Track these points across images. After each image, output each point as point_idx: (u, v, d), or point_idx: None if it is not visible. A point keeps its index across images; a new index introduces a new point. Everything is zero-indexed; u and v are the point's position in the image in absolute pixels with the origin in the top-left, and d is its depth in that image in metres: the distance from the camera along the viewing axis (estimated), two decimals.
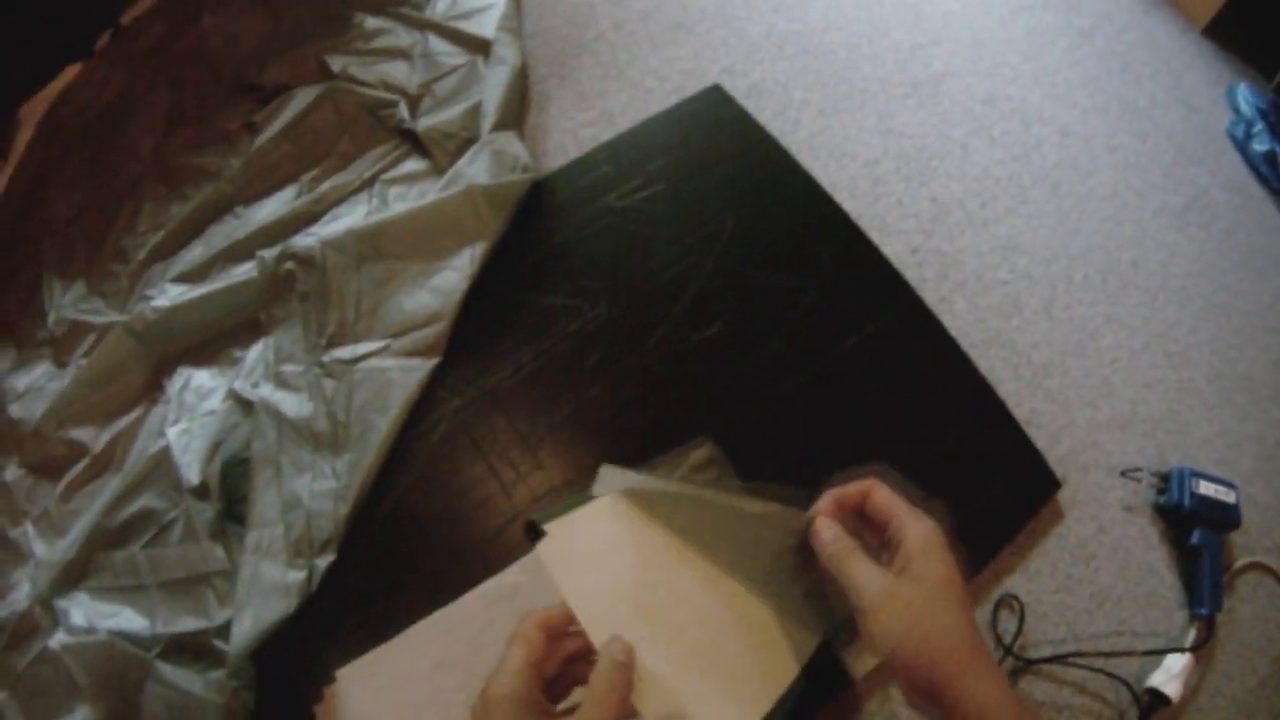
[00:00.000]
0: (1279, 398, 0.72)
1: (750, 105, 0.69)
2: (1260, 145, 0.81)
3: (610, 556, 0.39)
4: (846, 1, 0.84)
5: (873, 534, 0.39)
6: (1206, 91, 0.85)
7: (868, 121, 0.74)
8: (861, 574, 0.34)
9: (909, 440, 0.59)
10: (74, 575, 0.61)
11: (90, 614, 0.58)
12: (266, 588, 0.55)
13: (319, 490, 0.58)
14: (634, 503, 0.41)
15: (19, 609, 0.61)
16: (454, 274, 0.63)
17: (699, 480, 0.56)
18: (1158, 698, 0.59)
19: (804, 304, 0.59)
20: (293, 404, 0.61)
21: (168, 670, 0.53)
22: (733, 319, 0.59)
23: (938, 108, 0.76)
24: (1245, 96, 0.84)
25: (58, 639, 0.58)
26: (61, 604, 0.60)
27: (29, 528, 0.67)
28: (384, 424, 0.59)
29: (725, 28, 0.80)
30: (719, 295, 0.59)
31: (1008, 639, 0.58)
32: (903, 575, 0.34)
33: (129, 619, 0.57)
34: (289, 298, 0.66)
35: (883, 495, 0.37)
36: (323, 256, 0.65)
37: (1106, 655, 0.60)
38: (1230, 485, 0.65)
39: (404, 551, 0.54)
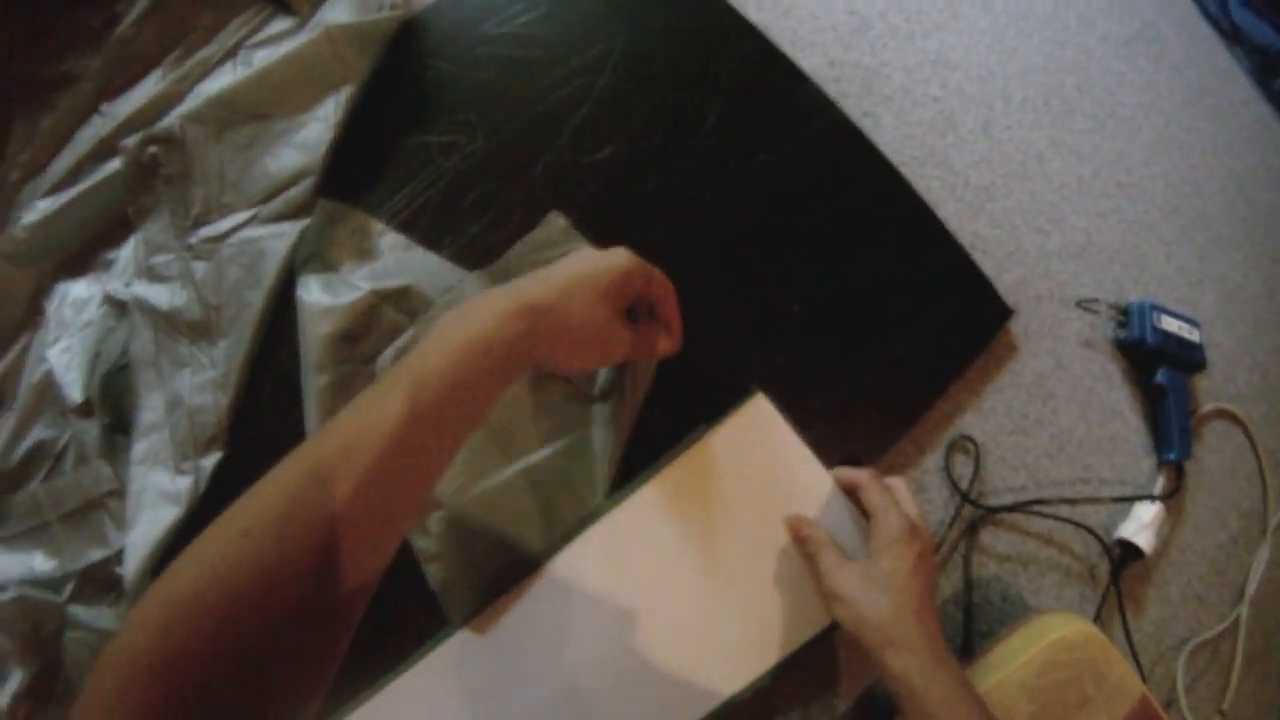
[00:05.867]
0: (1238, 239, 0.66)
1: None
2: None
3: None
4: None
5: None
6: None
7: None
8: (825, 562, 0.43)
9: (839, 262, 0.52)
10: None
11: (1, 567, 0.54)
12: (155, 498, 0.51)
13: (199, 383, 0.53)
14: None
15: None
16: (319, 125, 0.56)
17: (551, 255, 0.49)
18: (1129, 549, 0.53)
19: (708, 122, 0.52)
20: (164, 296, 0.55)
21: (80, 612, 0.51)
22: (627, 141, 0.51)
23: None
24: None
25: None
26: None
27: None
28: (258, 299, 0.54)
29: None
30: (611, 117, 0.51)
31: (964, 484, 0.52)
32: (868, 562, 0.42)
33: (39, 562, 0.55)
34: (154, 184, 0.59)
35: (871, 497, 0.44)
36: (182, 131, 0.59)
37: (1072, 503, 0.54)
38: (1194, 323, 0.59)
39: (298, 434, 0.48)
